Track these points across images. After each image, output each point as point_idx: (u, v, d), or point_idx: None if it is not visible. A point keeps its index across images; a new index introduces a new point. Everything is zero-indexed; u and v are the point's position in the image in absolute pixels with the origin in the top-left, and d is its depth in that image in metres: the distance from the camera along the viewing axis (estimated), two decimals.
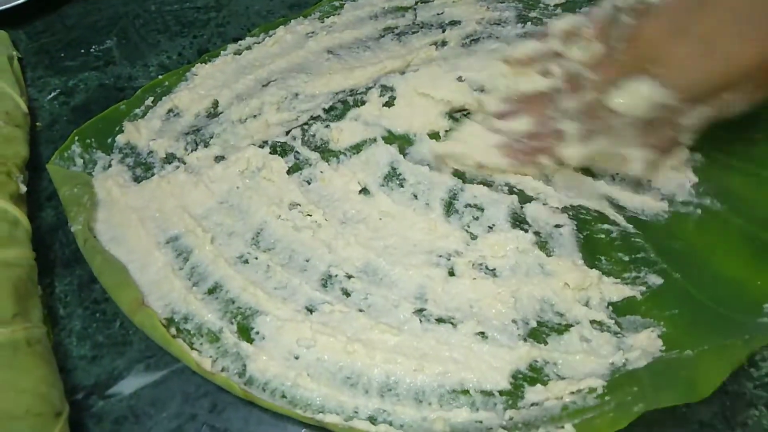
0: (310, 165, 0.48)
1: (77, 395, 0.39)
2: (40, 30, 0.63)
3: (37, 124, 0.55)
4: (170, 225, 0.45)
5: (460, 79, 0.49)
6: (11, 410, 0.34)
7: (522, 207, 0.45)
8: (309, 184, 0.47)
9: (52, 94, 0.57)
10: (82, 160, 0.50)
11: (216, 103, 0.54)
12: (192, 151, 0.50)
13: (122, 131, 0.52)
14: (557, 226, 0.44)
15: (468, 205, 0.45)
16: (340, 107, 0.50)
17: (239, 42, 0.60)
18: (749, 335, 0.35)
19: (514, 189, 0.46)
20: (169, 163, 0.50)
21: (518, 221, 0.44)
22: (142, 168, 0.50)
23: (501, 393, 0.37)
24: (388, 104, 0.50)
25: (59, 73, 0.59)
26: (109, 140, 0.51)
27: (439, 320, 0.40)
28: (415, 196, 0.46)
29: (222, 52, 0.59)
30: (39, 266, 0.44)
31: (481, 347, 0.38)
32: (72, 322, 0.43)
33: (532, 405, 0.36)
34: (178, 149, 0.50)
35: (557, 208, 0.45)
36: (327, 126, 0.49)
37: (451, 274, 0.42)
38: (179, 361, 0.39)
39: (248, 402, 0.37)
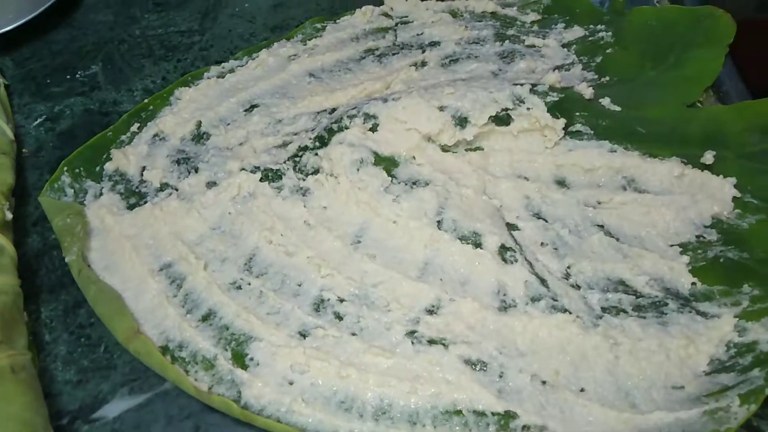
0: (302, 190, 0.49)
1: (62, 420, 0.40)
2: (26, 56, 0.63)
3: (24, 150, 0.55)
4: (163, 252, 0.46)
5: (441, 108, 0.50)
6: None
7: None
8: (302, 208, 0.48)
9: (38, 120, 0.57)
10: (72, 190, 0.50)
11: (199, 124, 0.55)
12: (184, 178, 0.50)
13: (110, 159, 0.52)
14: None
15: (454, 220, 0.46)
16: (326, 135, 0.50)
17: (222, 64, 0.60)
18: None
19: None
20: (162, 190, 0.50)
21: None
22: (134, 195, 0.50)
23: (493, 414, 0.37)
24: (372, 129, 0.50)
25: (45, 99, 0.59)
26: (98, 168, 0.52)
27: (431, 342, 0.40)
28: (408, 215, 0.46)
29: (205, 74, 0.60)
30: (25, 292, 0.44)
31: (472, 369, 0.39)
32: (57, 347, 0.43)
33: (524, 428, 0.37)
34: (170, 177, 0.51)
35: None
36: (316, 154, 0.50)
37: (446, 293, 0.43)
38: (163, 383, 0.40)
39: (232, 423, 0.38)
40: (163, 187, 0.50)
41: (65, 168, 0.51)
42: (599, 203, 0.48)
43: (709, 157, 0.48)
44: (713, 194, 0.46)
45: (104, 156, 0.52)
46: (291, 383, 0.39)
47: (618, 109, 0.52)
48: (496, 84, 0.54)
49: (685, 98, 0.54)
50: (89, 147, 0.53)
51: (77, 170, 0.51)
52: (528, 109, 0.50)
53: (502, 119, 0.51)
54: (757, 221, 0.45)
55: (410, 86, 0.56)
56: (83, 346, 0.43)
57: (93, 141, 0.53)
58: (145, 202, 0.49)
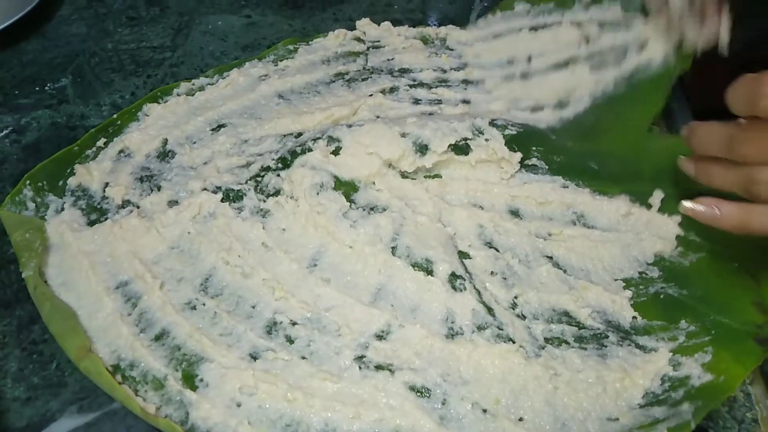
0: (261, 211, 0.50)
1: None
2: None
3: None
4: (120, 270, 0.46)
5: (403, 135, 0.51)
6: None
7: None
8: (261, 230, 0.49)
9: (4, 132, 0.57)
10: (34, 204, 0.50)
11: (165, 142, 0.55)
12: (146, 195, 0.51)
13: (74, 174, 0.52)
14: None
15: (408, 246, 0.47)
16: (289, 157, 0.51)
17: (192, 81, 0.61)
18: None
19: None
20: (123, 207, 0.51)
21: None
22: (95, 212, 0.51)
23: None
24: (335, 153, 0.51)
25: (12, 111, 0.59)
26: (61, 183, 0.52)
27: (378, 367, 0.41)
28: (364, 241, 0.48)
29: (175, 90, 0.60)
30: None
31: (416, 395, 0.40)
32: (9, 363, 0.43)
33: None
34: (133, 195, 0.51)
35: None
36: (278, 175, 0.51)
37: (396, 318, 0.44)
38: (113, 402, 0.41)
39: None
40: (125, 204, 0.51)
41: (27, 181, 0.51)
42: (549, 235, 0.49)
43: (656, 201, 0.49)
44: (657, 232, 0.48)
45: (68, 170, 0.53)
46: (239, 405, 0.40)
47: (571, 144, 0.54)
48: (458, 114, 0.55)
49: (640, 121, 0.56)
50: (54, 161, 0.53)
51: (40, 184, 0.51)
52: (486, 140, 0.52)
53: (461, 148, 0.52)
54: (698, 259, 0.47)
55: (376, 113, 0.57)
56: (35, 362, 0.43)
57: (58, 155, 0.53)
58: (106, 219, 0.50)
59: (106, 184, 0.52)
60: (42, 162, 0.52)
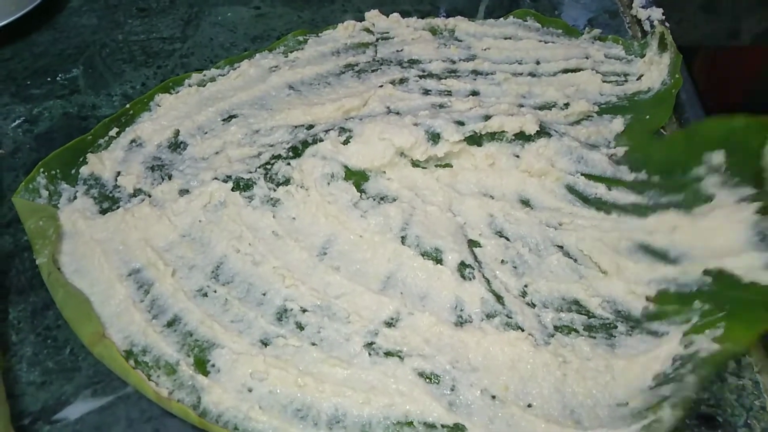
0: (272, 200, 0.50)
1: (24, 421, 0.40)
2: (7, 57, 0.64)
3: (0, 151, 0.55)
4: (132, 258, 0.47)
5: (416, 124, 0.51)
6: None
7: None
8: (271, 218, 0.49)
9: (17, 121, 0.58)
10: (47, 192, 0.51)
11: (177, 132, 0.56)
12: (157, 184, 0.51)
13: (86, 162, 0.53)
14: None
15: (418, 236, 0.48)
16: (300, 147, 0.52)
17: (204, 72, 0.61)
18: None
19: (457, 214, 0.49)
20: (135, 196, 0.51)
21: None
22: (107, 200, 0.51)
23: (443, 426, 0.39)
24: (345, 142, 0.52)
25: (25, 101, 0.60)
26: (74, 171, 0.52)
27: (388, 354, 0.42)
28: (374, 230, 0.48)
29: (186, 81, 0.61)
30: None
31: (425, 381, 0.40)
32: (24, 348, 0.44)
33: None
34: (144, 184, 0.52)
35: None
36: (288, 164, 0.51)
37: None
38: (126, 386, 0.41)
39: (191, 428, 0.39)
40: (137, 192, 0.51)
41: (41, 169, 0.51)
42: (560, 224, 0.49)
43: None
44: None
45: (81, 159, 0.53)
46: (250, 390, 0.40)
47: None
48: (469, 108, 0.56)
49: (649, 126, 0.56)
50: (67, 149, 0.53)
51: (53, 172, 0.52)
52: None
53: (473, 139, 0.53)
54: None
55: (386, 103, 0.58)
56: (49, 347, 0.43)
57: (71, 144, 0.54)
58: (118, 207, 0.50)
59: (118, 173, 0.53)
60: (55, 151, 0.53)
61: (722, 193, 0.47)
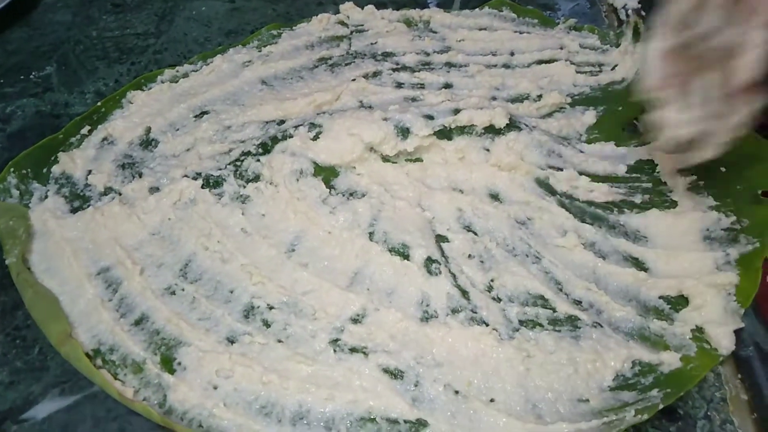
0: (241, 197, 0.50)
1: None
2: None
3: None
4: (102, 256, 0.47)
5: (385, 119, 0.51)
6: None
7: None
8: (240, 215, 0.49)
9: None
10: (18, 192, 0.51)
11: (149, 130, 0.56)
12: (128, 183, 0.51)
13: (58, 161, 0.53)
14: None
15: (386, 232, 0.48)
16: (269, 143, 0.52)
17: (177, 68, 0.61)
18: None
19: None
20: (106, 194, 0.51)
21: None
22: (78, 199, 0.51)
23: (405, 421, 0.39)
24: (315, 138, 0.52)
25: None
26: (45, 170, 0.52)
27: (353, 350, 0.42)
28: (342, 226, 0.48)
29: (159, 77, 0.61)
30: None
31: (389, 377, 0.41)
32: None
33: None
34: (115, 182, 0.52)
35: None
36: (258, 160, 0.51)
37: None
38: (93, 385, 0.42)
39: (156, 426, 0.40)
40: (107, 191, 0.51)
41: (12, 169, 0.52)
42: (529, 219, 0.50)
43: None
44: None
45: (52, 158, 0.53)
46: (215, 388, 0.40)
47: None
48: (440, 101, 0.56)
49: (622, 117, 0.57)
50: (38, 148, 0.53)
51: (24, 171, 0.52)
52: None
53: (443, 133, 0.53)
54: None
55: (359, 97, 0.58)
56: (18, 347, 0.44)
57: (42, 143, 0.54)
58: (89, 206, 0.50)
59: (89, 172, 0.53)
60: (26, 150, 0.53)
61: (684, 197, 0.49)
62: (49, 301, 0.44)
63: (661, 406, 0.38)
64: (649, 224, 0.49)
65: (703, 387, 0.42)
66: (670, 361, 0.41)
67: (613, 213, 0.50)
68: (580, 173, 0.52)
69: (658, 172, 0.53)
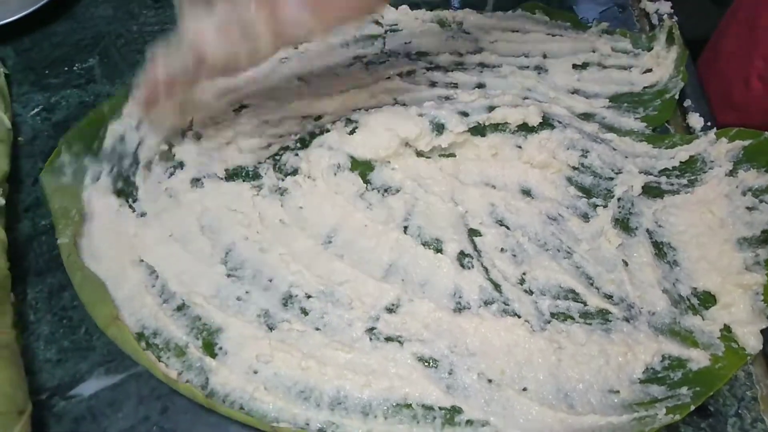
0: (280, 189, 0.51)
1: (41, 395, 0.43)
2: (27, 47, 0.65)
3: (19, 138, 0.57)
4: None
5: (420, 114, 0.52)
6: None
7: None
8: (279, 207, 0.50)
9: (35, 110, 0.60)
10: (71, 170, 0.52)
11: (191, 122, 0.57)
12: (171, 175, 0.52)
13: (105, 136, 0.54)
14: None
15: (419, 227, 0.49)
16: (307, 138, 0.53)
17: None
18: None
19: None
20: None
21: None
22: (125, 183, 0.52)
23: (440, 408, 0.40)
24: (351, 133, 0.53)
25: (43, 90, 0.61)
26: (95, 145, 0.53)
27: (388, 339, 0.43)
28: (378, 220, 0.49)
29: None
30: (13, 274, 0.47)
31: (423, 365, 0.42)
32: (41, 327, 0.46)
33: (467, 422, 0.39)
34: (158, 174, 0.53)
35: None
36: (296, 154, 0.52)
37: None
38: (138, 365, 0.43)
39: (197, 407, 0.41)
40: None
41: (63, 146, 0.52)
42: (560, 215, 0.50)
43: None
44: None
45: (102, 132, 0.54)
46: (255, 372, 0.42)
47: None
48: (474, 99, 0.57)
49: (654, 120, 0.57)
50: (88, 123, 0.54)
51: (76, 148, 0.53)
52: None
53: (477, 129, 0.54)
54: None
55: (393, 95, 0.59)
56: (65, 327, 0.45)
57: (90, 118, 0.54)
58: (134, 190, 0.51)
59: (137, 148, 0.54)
60: (74, 127, 0.54)
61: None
62: (96, 285, 0.45)
63: (692, 407, 0.39)
64: (681, 223, 0.50)
65: (734, 385, 0.43)
66: (698, 358, 0.42)
67: (645, 213, 0.51)
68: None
69: (688, 173, 0.53)
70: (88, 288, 0.45)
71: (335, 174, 0.52)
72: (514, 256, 0.48)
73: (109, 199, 0.50)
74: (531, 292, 0.46)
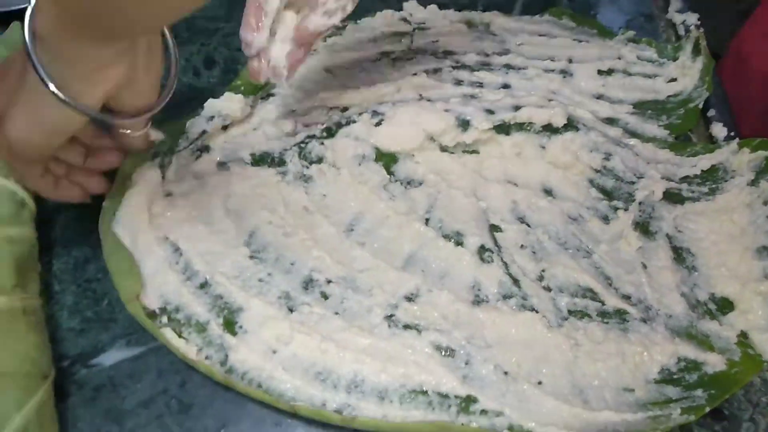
0: (304, 177, 0.52)
1: (63, 362, 0.44)
2: None
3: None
4: None
5: (446, 110, 0.53)
6: (4, 368, 0.39)
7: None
8: (303, 194, 0.51)
9: None
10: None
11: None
12: (198, 158, 0.53)
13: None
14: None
15: (441, 219, 0.49)
16: (333, 128, 0.54)
17: None
18: None
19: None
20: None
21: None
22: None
23: (456, 397, 0.41)
24: (377, 125, 0.54)
25: None
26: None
27: (406, 326, 0.44)
28: (400, 212, 0.50)
29: None
30: (40, 244, 0.48)
31: (441, 354, 0.42)
32: (65, 297, 0.47)
33: (482, 412, 0.40)
34: (186, 156, 0.54)
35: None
36: (322, 143, 0.53)
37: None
38: (158, 340, 0.44)
39: (215, 382, 0.42)
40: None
41: None
42: (581, 216, 0.51)
43: None
44: None
45: None
46: (274, 352, 0.42)
47: None
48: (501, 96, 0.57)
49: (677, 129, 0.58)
50: None
51: None
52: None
53: (502, 128, 0.54)
54: None
55: (419, 91, 0.59)
56: (88, 298, 0.46)
57: None
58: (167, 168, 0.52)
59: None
60: None
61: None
62: (126, 255, 0.46)
63: (707, 409, 0.39)
64: (701, 230, 0.50)
65: (750, 390, 0.43)
66: (714, 362, 0.42)
67: (666, 218, 0.51)
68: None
69: (709, 181, 0.54)
70: (118, 257, 0.46)
71: (360, 164, 0.52)
72: (534, 253, 0.48)
73: (154, 172, 0.51)
74: (549, 289, 0.46)
